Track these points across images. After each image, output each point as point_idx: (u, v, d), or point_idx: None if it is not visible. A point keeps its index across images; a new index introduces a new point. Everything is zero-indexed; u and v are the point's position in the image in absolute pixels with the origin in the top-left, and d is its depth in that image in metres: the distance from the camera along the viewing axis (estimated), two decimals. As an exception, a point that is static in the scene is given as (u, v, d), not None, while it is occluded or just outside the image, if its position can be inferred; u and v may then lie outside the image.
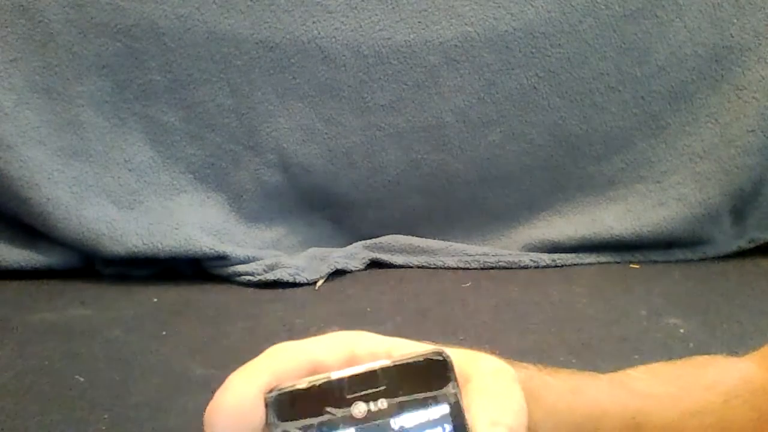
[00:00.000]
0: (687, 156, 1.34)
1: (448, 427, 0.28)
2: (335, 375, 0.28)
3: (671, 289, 1.19)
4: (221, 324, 1.05)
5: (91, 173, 1.24)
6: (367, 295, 1.18)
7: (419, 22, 1.27)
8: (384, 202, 1.34)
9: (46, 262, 1.22)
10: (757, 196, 1.35)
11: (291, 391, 0.28)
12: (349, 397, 0.28)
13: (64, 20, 1.20)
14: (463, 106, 1.30)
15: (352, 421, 0.28)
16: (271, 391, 0.28)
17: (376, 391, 0.28)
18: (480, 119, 1.30)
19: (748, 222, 1.36)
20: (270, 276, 1.21)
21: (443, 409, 0.29)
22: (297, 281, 1.20)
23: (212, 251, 1.21)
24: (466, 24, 1.28)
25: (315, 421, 0.28)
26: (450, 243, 1.33)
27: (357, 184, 1.33)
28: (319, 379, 0.28)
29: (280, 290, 1.19)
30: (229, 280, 1.22)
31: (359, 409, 0.28)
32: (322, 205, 1.36)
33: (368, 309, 1.11)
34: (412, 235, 1.34)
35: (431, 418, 0.28)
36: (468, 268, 1.29)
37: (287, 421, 0.28)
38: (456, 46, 1.28)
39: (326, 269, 1.24)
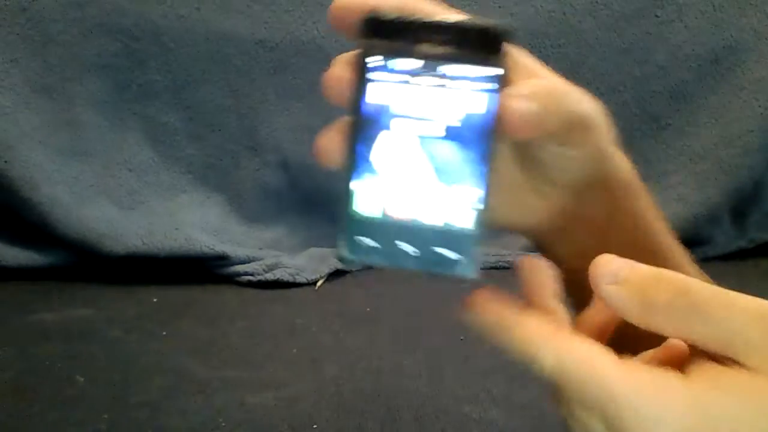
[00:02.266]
0: (687, 156, 1.34)
1: (493, 86, 0.33)
2: (414, 18, 0.34)
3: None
4: (221, 324, 1.05)
5: (90, 173, 1.24)
6: (366, 295, 1.18)
7: (419, 22, 1.27)
8: (384, 202, 1.34)
9: (46, 262, 1.22)
10: (757, 196, 1.35)
11: (379, 18, 0.35)
12: (419, 36, 0.34)
13: (63, 20, 1.20)
14: (463, 106, 1.30)
15: (412, 55, 0.34)
16: (368, 14, 0.35)
17: (442, 40, 0.34)
18: (480, 119, 1.30)
19: (748, 222, 1.36)
20: (270, 276, 1.21)
21: (496, 71, 0.33)
22: (297, 281, 1.20)
23: (212, 251, 1.21)
24: (466, 24, 1.28)
25: (387, 45, 0.35)
26: (450, 243, 1.33)
27: (357, 184, 1.32)
28: (401, 17, 0.34)
29: (280, 290, 1.19)
30: (229, 280, 1.22)
31: (423, 48, 0.34)
32: (322, 205, 1.35)
33: (368, 309, 1.11)
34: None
35: (480, 74, 0.33)
36: (468, 268, 1.29)
37: (370, 38, 0.35)
38: (456, 46, 1.28)
39: (326, 269, 1.24)
